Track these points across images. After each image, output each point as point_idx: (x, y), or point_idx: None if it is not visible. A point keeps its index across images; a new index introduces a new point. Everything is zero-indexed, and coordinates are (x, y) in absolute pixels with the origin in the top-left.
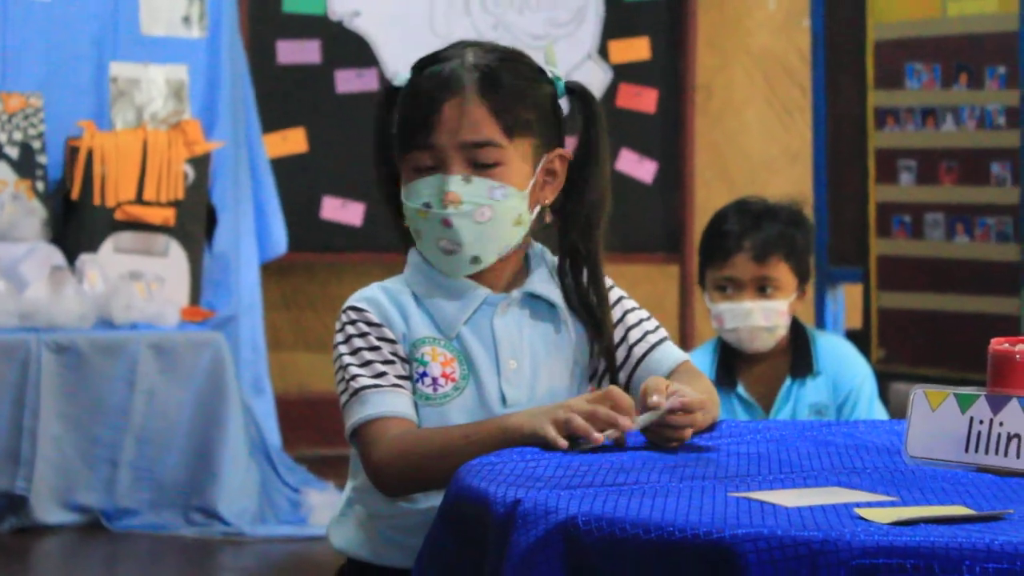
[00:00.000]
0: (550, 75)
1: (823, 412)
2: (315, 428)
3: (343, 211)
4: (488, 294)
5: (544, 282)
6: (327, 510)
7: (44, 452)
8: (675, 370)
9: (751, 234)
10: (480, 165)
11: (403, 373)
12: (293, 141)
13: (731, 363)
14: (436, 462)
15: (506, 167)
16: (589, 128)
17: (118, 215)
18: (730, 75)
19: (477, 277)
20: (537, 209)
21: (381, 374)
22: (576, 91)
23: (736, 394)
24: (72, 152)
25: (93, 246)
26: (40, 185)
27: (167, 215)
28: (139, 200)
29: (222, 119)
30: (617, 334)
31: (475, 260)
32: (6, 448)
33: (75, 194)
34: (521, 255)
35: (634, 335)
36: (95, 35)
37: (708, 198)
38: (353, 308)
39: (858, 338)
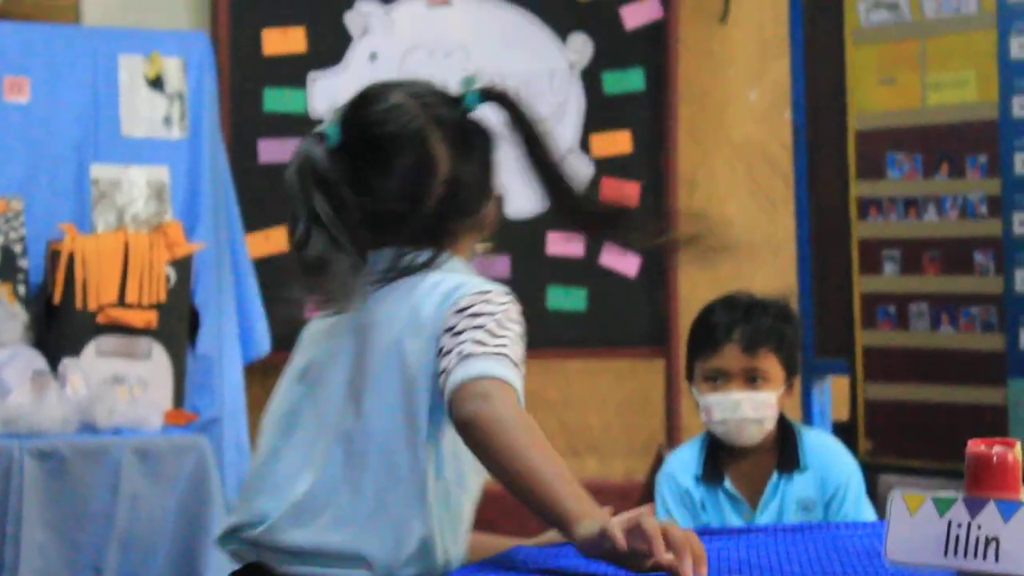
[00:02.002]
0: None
1: (810, 508)
2: None
3: None
4: None
5: None
6: None
7: (28, 559)
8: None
9: (740, 325)
10: None
11: None
12: (275, 240)
13: (718, 458)
14: (522, 456)
15: None
16: (518, 122)
17: (100, 318)
18: (712, 167)
19: None
20: None
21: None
22: (493, 94)
23: (723, 489)
24: (53, 255)
25: (76, 350)
26: (21, 289)
27: (149, 318)
28: (121, 303)
29: (204, 220)
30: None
31: None
32: None
33: (57, 298)
34: None
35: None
36: (75, 137)
37: (693, 291)
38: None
39: (845, 430)
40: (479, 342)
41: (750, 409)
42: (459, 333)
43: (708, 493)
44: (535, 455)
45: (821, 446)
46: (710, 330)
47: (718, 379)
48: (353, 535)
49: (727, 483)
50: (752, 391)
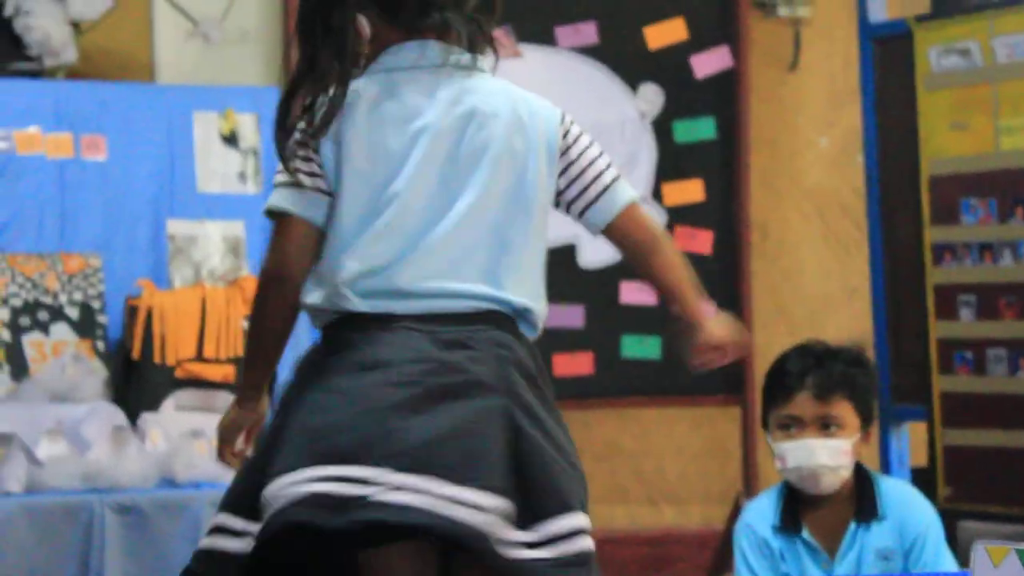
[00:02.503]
0: None
1: (889, 557)
2: None
3: None
4: None
5: None
6: None
7: None
8: (622, 213)
9: (813, 372)
10: None
11: None
12: None
13: (796, 507)
14: None
15: None
16: None
17: (178, 373)
18: (785, 213)
19: None
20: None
21: None
22: None
23: (801, 539)
24: (131, 311)
25: (154, 405)
26: (100, 345)
27: (227, 372)
28: (199, 357)
29: None
30: (574, 169)
31: None
32: None
33: (135, 353)
34: None
35: (589, 175)
36: (152, 194)
37: (767, 338)
38: None
39: (924, 476)
40: (611, 165)
41: (825, 456)
42: (593, 158)
43: (786, 543)
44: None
45: (899, 494)
46: (783, 378)
47: (792, 427)
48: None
49: (805, 533)
50: (826, 438)
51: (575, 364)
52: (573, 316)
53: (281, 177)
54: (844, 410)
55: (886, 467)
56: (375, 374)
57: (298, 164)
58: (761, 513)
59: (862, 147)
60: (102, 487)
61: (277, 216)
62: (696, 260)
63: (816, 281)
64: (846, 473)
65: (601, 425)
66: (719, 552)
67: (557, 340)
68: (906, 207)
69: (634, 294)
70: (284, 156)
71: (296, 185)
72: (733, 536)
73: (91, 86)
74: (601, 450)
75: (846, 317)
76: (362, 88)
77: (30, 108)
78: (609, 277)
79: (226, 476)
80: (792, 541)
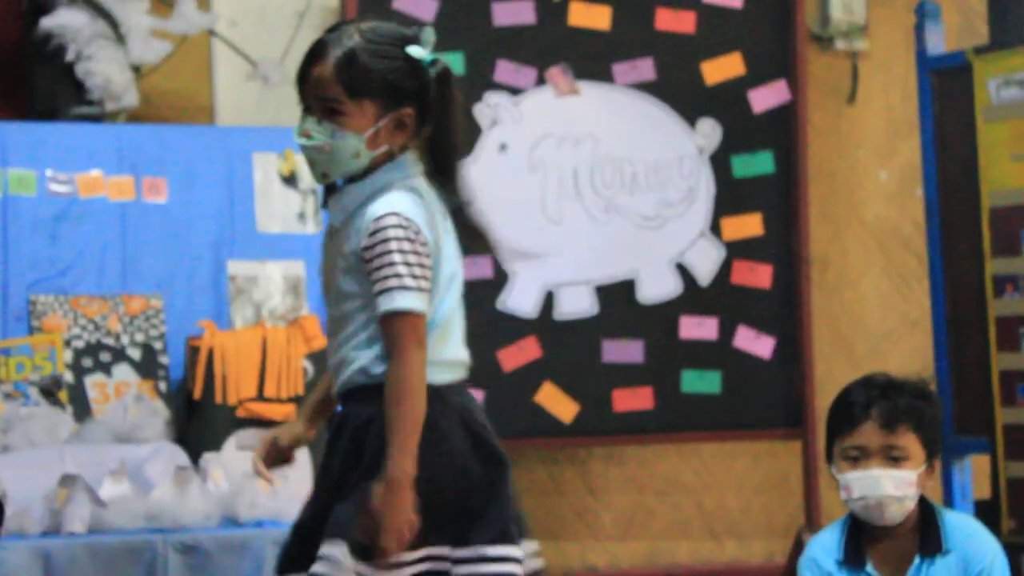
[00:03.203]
0: (416, 56)
1: None
2: None
3: None
4: None
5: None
6: None
7: None
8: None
9: (879, 403)
10: (327, 111)
11: None
12: None
13: (860, 541)
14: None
15: (348, 117)
16: (442, 95)
17: (240, 413)
18: (844, 246)
19: None
20: (383, 148)
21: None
22: (436, 66)
23: (865, 573)
24: (193, 351)
25: (216, 444)
26: (162, 385)
27: (288, 411)
28: (260, 397)
29: None
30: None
31: (323, 176)
32: None
33: (197, 393)
34: None
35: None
36: (212, 234)
37: (828, 371)
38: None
39: (987, 509)
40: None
41: (891, 486)
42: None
43: None
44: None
45: (963, 528)
46: (848, 407)
47: (858, 458)
48: None
49: (869, 566)
50: (893, 468)
51: (635, 399)
52: (633, 351)
53: (409, 282)
54: (910, 441)
55: (949, 500)
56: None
57: (423, 271)
58: (825, 547)
59: (922, 180)
60: (165, 527)
61: (408, 314)
62: (755, 294)
63: (877, 314)
64: (911, 504)
65: (662, 460)
66: None
67: (617, 375)
68: (967, 239)
69: (693, 329)
70: (409, 264)
71: (421, 289)
72: (796, 570)
73: (152, 129)
74: (662, 485)
75: (907, 350)
76: (424, 189)
77: (92, 152)
78: (669, 312)
79: (288, 514)
80: (856, 575)
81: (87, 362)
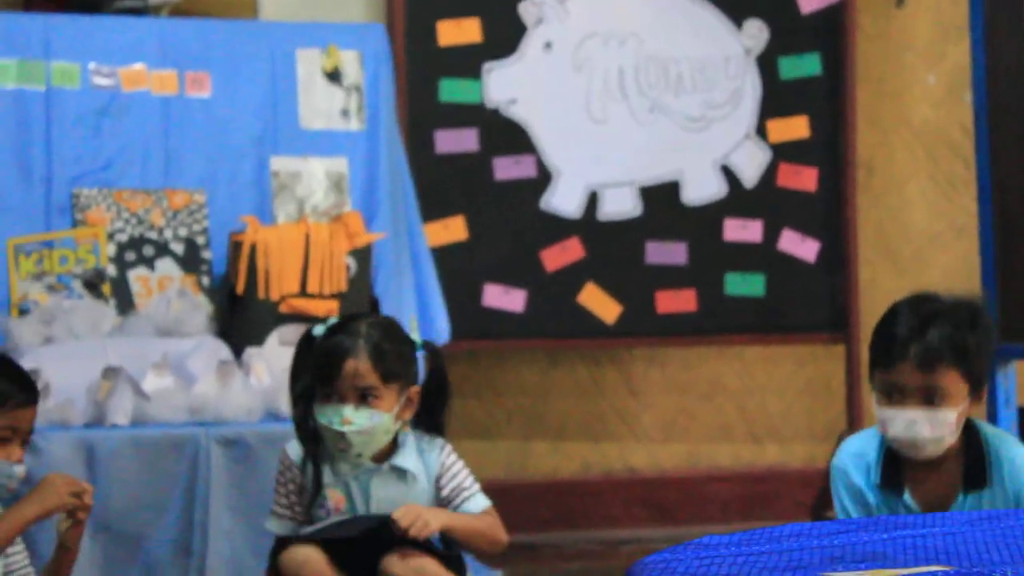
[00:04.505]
0: (414, 340)
1: None
2: None
3: (505, 298)
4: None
5: (406, 457)
6: None
7: (215, 545)
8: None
9: (917, 340)
10: (364, 398)
11: None
12: (453, 229)
13: (898, 464)
14: None
15: (381, 400)
16: (435, 369)
17: (282, 308)
18: (891, 151)
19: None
20: (399, 424)
21: None
22: (427, 346)
23: (903, 502)
24: (235, 247)
25: (259, 339)
26: (205, 280)
27: (331, 307)
28: (303, 293)
29: (382, 210)
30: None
31: (358, 456)
32: (178, 541)
33: (240, 288)
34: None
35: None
36: (255, 130)
37: (873, 276)
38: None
39: None
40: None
41: (927, 428)
42: None
43: (885, 502)
44: None
45: (1014, 459)
46: (888, 341)
47: (894, 394)
48: None
49: (907, 497)
50: (929, 409)
51: (678, 301)
52: (676, 253)
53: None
54: (949, 380)
55: (992, 406)
56: None
57: None
58: (857, 459)
59: (970, 84)
60: (207, 420)
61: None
62: (801, 197)
63: (922, 219)
64: (951, 439)
65: (704, 363)
66: (822, 491)
67: (660, 277)
68: (1015, 145)
69: (738, 231)
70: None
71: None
72: (830, 477)
73: (195, 23)
74: (705, 388)
75: (952, 256)
76: None
77: (135, 46)
78: (713, 214)
79: None
80: (893, 502)
81: (130, 256)
